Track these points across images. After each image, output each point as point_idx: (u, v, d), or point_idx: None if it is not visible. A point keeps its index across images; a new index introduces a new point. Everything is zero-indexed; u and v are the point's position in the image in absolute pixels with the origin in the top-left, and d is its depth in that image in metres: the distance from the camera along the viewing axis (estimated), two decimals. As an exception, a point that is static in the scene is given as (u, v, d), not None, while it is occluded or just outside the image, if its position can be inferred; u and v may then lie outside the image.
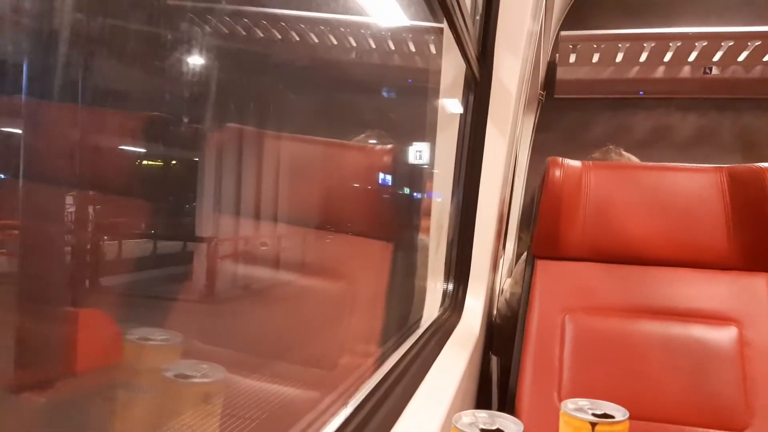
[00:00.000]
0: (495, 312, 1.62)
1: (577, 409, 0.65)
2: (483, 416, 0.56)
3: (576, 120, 3.16)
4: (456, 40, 1.10)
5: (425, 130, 1.39)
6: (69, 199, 0.48)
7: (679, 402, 1.12)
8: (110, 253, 0.57)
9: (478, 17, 1.31)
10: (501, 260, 2.06)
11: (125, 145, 0.57)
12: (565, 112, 3.16)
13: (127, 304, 0.60)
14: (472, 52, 1.19)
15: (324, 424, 0.70)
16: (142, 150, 0.61)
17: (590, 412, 0.64)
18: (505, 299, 1.58)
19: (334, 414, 0.72)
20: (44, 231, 0.46)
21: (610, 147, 1.87)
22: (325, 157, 1.25)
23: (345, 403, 0.74)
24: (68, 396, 0.48)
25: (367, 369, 0.90)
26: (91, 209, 0.51)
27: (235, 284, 0.90)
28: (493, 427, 0.54)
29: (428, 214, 1.39)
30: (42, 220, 0.45)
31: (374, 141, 1.45)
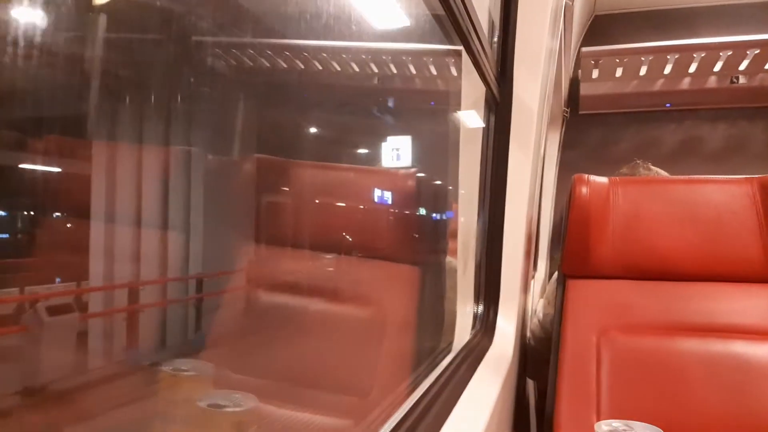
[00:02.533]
0: (529, 334, 1.60)
1: (611, 430, 0.64)
2: (516, 440, 0.55)
3: (602, 135, 3.13)
4: (474, 64, 1.11)
5: (448, 152, 1.40)
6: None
7: (721, 421, 1.08)
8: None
9: (495, 38, 1.32)
10: (532, 281, 2.03)
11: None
12: (591, 128, 3.14)
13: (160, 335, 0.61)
14: (490, 74, 1.20)
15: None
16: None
17: (626, 433, 0.63)
18: (539, 321, 1.56)
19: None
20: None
21: (638, 162, 1.85)
22: (350, 183, 1.26)
23: (379, 428, 0.74)
24: (106, 427, 0.49)
25: (399, 395, 0.90)
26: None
27: (265, 313, 0.91)
28: (527, 451, 0.53)
29: (454, 235, 1.39)
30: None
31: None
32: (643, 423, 0.67)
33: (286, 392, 0.84)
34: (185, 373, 0.54)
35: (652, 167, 1.78)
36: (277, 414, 0.76)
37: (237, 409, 0.51)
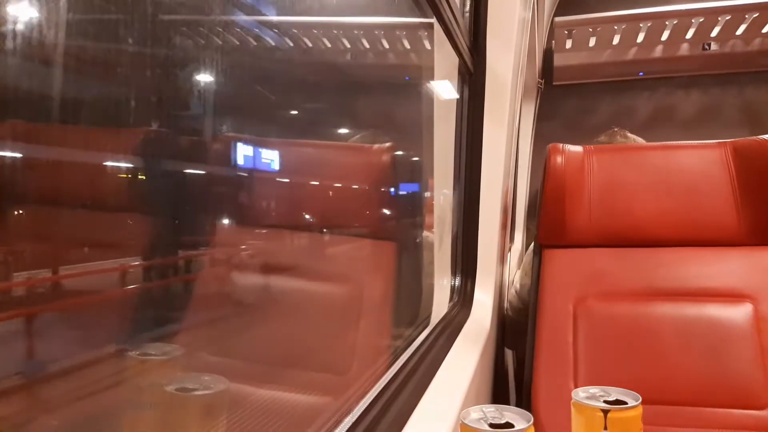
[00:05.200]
0: (506, 305, 1.61)
1: (588, 397, 0.64)
2: (491, 411, 0.55)
3: (577, 106, 3.13)
4: (446, 34, 1.09)
5: (422, 126, 1.38)
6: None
7: (698, 383, 1.10)
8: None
9: (467, 9, 1.30)
10: (509, 252, 2.04)
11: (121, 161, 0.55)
12: (566, 99, 3.14)
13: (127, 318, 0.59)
14: (463, 45, 1.18)
15: (337, 424, 0.69)
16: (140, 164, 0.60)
17: (602, 399, 0.63)
18: (516, 291, 1.57)
19: (346, 414, 0.71)
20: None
21: (615, 129, 1.85)
22: (324, 160, 1.24)
23: (357, 403, 0.73)
24: (72, 416, 0.48)
25: (377, 369, 0.89)
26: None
27: (241, 293, 0.90)
28: (502, 421, 0.53)
29: (431, 210, 1.38)
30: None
31: (372, 140, 1.44)
32: (621, 388, 0.67)
33: (263, 373, 0.83)
34: (153, 357, 0.53)
35: (630, 134, 1.79)
36: (251, 395, 0.75)
37: (206, 392, 0.50)
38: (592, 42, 2.91)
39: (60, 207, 0.40)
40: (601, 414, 0.61)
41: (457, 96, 1.33)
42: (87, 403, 0.48)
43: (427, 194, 1.47)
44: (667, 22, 2.73)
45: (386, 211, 1.27)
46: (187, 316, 0.68)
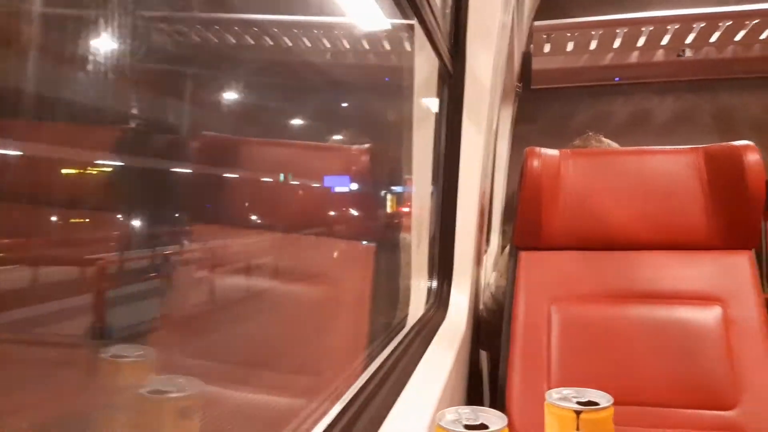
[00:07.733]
0: (482, 306, 1.62)
1: (561, 398, 0.65)
2: (466, 412, 0.55)
3: (555, 110, 3.17)
4: (427, 36, 1.10)
5: (401, 127, 1.39)
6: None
7: (668, 385, 1.12)
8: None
9: (448, 11, 1.31)
10: (485, 254, 2.06)
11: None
12: (544, 103, 3.17)
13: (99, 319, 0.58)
14: (444, 47, 1.19)
15: (313, 425, 0.69)
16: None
17: (575, 400, 0.64)
18: (491, 293, 1.58)
19: (321, 416, 0.71)
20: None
21: (590, 134, 1.87)
22: (301, 160, 1.24)
23: (331, 406, 0.73)
24: (41, 420, 0.47)
25: (353, 371, 0.89)
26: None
27: (215, 295, 0.89)
28: (477, 423, 0.54)
29: (409, 211, 1.39)
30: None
31: (350, 141, 1.44)
32: (593, 389, 0.68)
33: (237, 375, 0.83)
34: (125, 359, 0.52)
35: (604, 139, 1.81)
36: (225, 396, 0.75)
37: (180, 394, 0.49)
38: (569, 47, 2.94)
39: None
40: (574, 415, 0.62)
41: (436, 98, 1.34)
42: (57, 406, 0.47)
43: (404, 195, 1.48)
44: (643, 29, 2.78)
45: (363, 212, 1.27)
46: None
